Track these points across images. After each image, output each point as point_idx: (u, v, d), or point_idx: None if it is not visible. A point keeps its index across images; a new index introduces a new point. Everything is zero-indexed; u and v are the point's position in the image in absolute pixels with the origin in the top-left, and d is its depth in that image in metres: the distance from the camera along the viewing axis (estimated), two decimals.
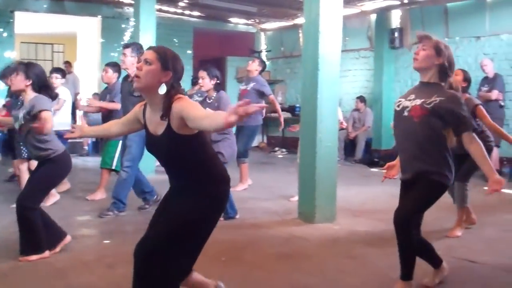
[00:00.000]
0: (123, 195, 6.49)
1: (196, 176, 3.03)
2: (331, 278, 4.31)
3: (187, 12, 14.08)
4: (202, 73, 6.30)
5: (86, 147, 12.79)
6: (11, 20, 12.65)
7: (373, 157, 11.76)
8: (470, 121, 3.76)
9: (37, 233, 4.59)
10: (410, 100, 3.86)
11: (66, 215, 6.14)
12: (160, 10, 12.84)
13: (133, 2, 10.47)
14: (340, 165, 8.09)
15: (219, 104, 6.14)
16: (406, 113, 3.83)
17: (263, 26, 15.91)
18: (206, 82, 6.26)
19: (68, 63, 13.95)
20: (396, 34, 12.20)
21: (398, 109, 3.93)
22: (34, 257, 4.56)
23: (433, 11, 11.63)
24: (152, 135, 3.06)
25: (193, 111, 2.80)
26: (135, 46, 6.63)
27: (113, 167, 7.35)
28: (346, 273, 4.42)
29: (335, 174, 6.36)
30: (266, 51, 15.85)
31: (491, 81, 9.78)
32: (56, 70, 8.08)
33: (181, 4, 13.13)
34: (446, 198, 7.86)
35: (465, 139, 3.71)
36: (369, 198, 7.69)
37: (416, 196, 3.81)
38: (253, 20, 15.36)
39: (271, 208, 6.84)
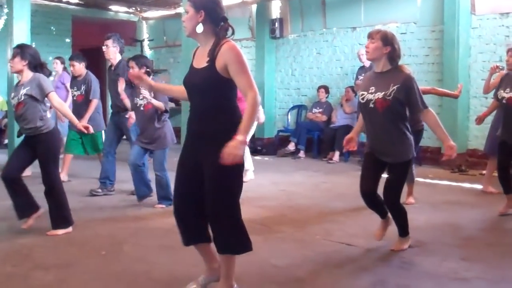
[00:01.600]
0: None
1: (222, 119, 3.33)
2: None
3: None
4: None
5: None
6: None
7: (256, 146, 11.91)
8: (423, 100, 4.32)
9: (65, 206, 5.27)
10: (372, 93, 4.35)
11: None
12: None
13: None
14: None
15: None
16: (371, 105, 4.34)
17: (145, 14, 15.64)
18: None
19: None
20: (277, 25, 12.40)
21: (363, 101, 4.42)
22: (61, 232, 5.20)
23: (311, 2, 11.94)
24: (194, 69, 3.43)
25: (240, 77, 3.25)
26: (116, 36, 7.26)
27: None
28: None
29: None
30: (148, 40, 15.62)
31: (367, 70, 10.12)
32: None
33: None
34: (327, 184, 8.10)
35: (421, 115, 4.39)
36: (252, 186, 7.77)
37: (397, 179, 4.49)
38: (134, 8, 15.06)
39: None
